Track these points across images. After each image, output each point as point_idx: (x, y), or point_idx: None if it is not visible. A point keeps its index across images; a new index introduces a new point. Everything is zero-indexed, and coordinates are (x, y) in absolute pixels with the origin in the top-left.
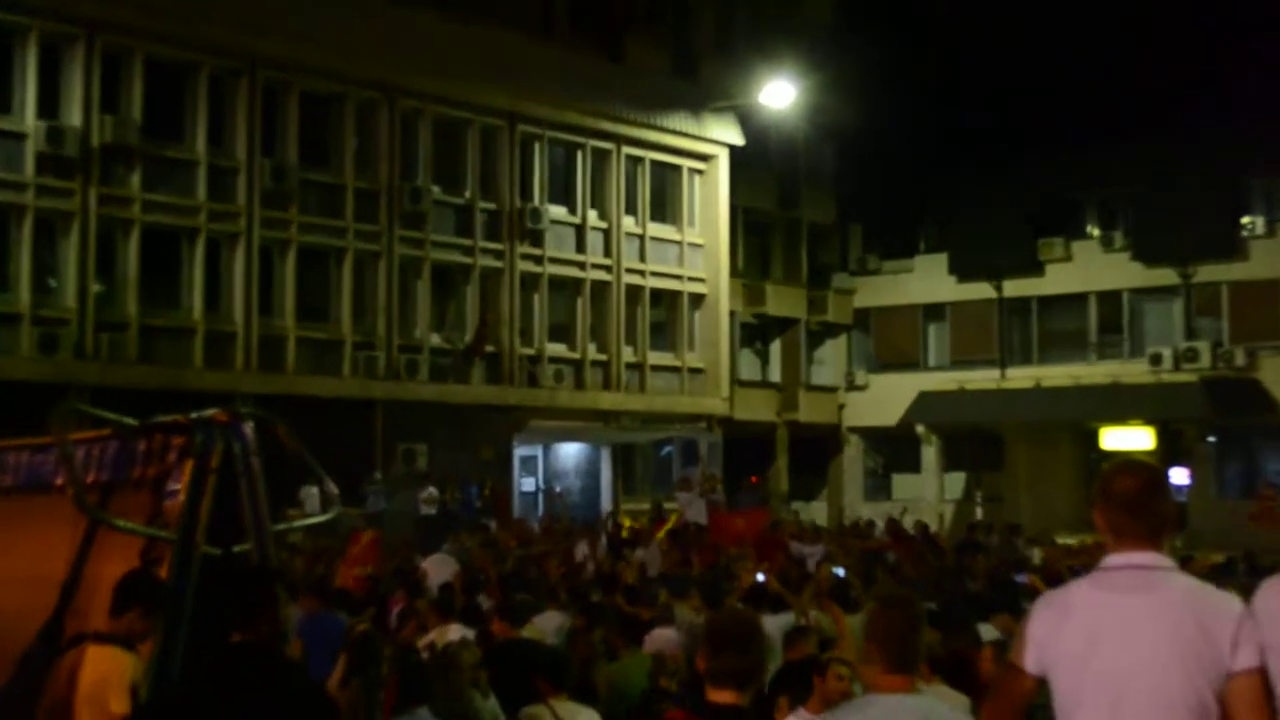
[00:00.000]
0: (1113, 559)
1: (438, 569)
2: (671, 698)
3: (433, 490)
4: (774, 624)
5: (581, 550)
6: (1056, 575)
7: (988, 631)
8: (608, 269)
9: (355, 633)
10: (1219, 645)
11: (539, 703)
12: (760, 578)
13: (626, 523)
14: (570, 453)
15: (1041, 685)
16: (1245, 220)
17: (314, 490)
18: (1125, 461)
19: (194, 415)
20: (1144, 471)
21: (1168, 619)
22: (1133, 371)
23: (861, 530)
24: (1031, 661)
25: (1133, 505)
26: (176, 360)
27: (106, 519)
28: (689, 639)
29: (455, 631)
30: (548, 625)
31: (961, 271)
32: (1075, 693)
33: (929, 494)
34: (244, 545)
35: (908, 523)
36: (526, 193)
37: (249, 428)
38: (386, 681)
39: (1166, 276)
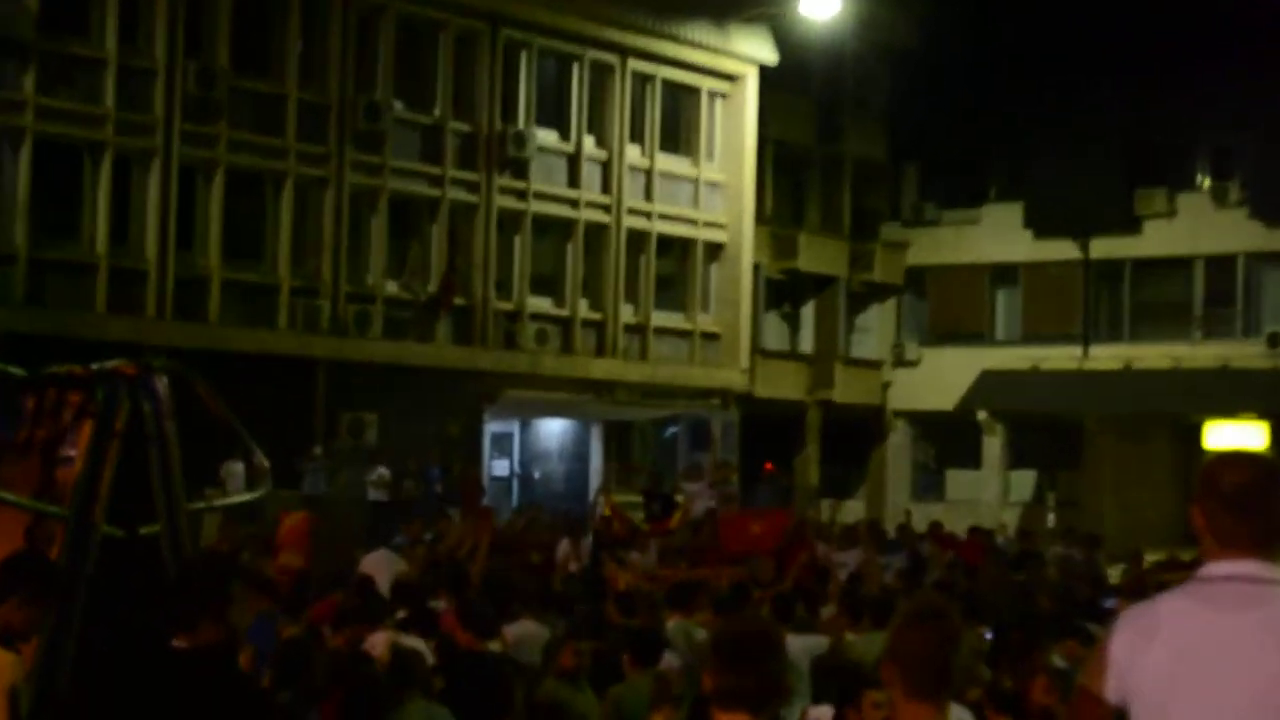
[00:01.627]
0: (1212, 568)
1: (380, 569)
2: None
3: (384, 471)
4: (799, 645)
5: (564, 549)
6: (1144, 592)
7: (1055, 661)
8: (606, 209)
9: (282, 639)
10: None
11: None
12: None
13: (608, 505)
14: (553, 431)
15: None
16: None
17: (239, 468)
18: (1234, 453)
19: (95, 366)
20: (1257, 465)
21: (1275, 642)
22: (1246, 354)
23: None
24: (1110, 689)
25: (1241, 504)
26: (73, 303)
27: None
28: (689, 661)
29: (407, 642)
30: (530, 637)
31: (1039, 226)
32: None
33: (990, 495)
34: (152, 526)
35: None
36: (509, 113)
37: (162, 384)
38: (322, 695)
39: None
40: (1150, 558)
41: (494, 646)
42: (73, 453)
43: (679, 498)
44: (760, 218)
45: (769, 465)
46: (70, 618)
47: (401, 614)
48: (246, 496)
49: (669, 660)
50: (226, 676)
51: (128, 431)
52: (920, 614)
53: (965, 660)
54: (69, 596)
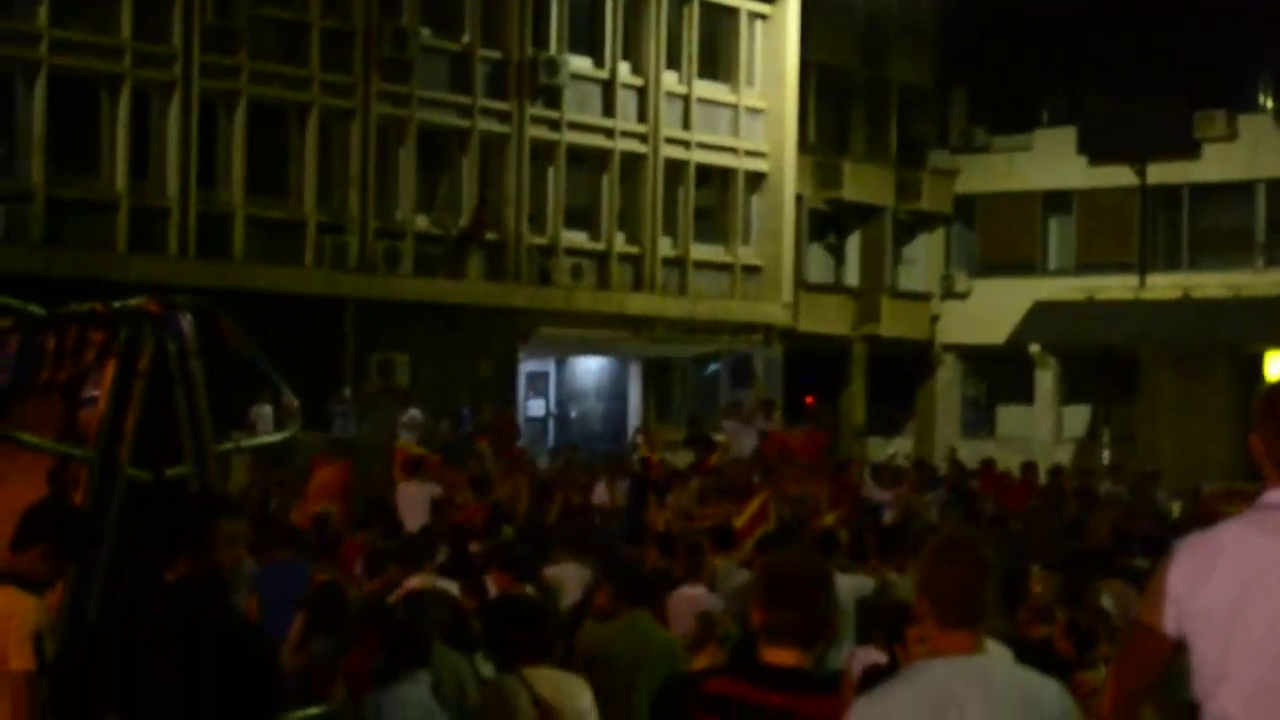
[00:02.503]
0: (1273, 495)
1: (414, 507)
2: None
3: (416, 413)
4: (845, 585)
5: (601, 490)
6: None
7: (1103, 601)
8: (642, 138)
9: (315, 584)
10: None
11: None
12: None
13: (646, 445)
14: (590, 369)
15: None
16: None
17: (268, 410)
18: None
19: (117, 304)
20: None
21: None
22: None
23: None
24: (1169, 621)
25: None
26: (93, 242)
27: (7, 432)
28: (733, 603)
29: (443, 586)
30: (568, 579)
31: (1094, 151)
32: (1220, 659)
33: (1043, 431)
34: (180, 468)
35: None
36: (540, 39)
37: (186, 321)
38: (353, 643)
39: None
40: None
41: (530, 590)
42: (96, 393)
43: (719, 437)
44: (803, 146)
45: (810, 399)
46: (96, 563)
47: (441, 557)
48: (275, 437)
49: (712, 601)
50: (209, 610)
51: (152, 371)
52: (948, 546)
53: (994, 591)
54: (94, 542)
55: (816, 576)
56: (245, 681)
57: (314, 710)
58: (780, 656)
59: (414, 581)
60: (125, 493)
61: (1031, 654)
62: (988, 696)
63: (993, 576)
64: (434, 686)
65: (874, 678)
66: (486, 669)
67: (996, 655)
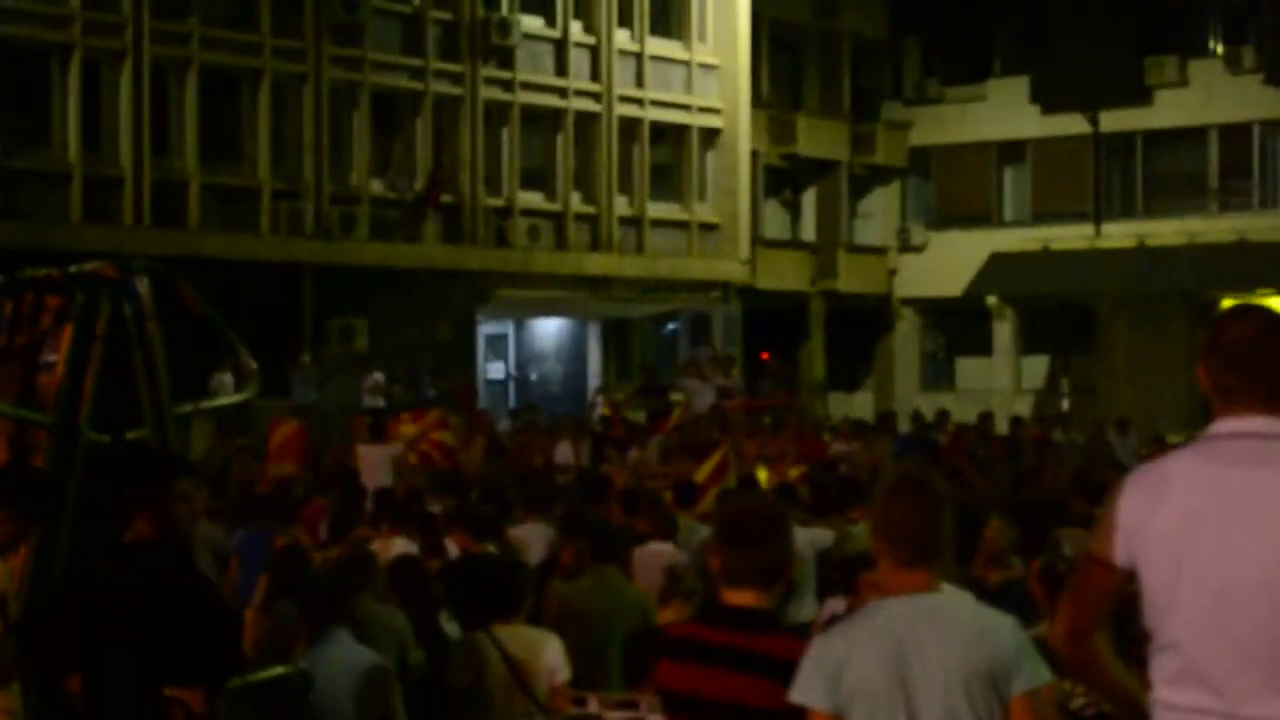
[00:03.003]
0: (1220, 425)
1: (374, 470)
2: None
3: (379, 377)
4: (805, 538)
5: (563, 451)
6: None
7: (1065, 550)
8: (596, 97)
9: (276, 547)
10: None
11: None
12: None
13: (607, 404)
14: (549, 330)
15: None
16: None
17: (228, 378)
18: (1240, 308)
19: (73, 269)
20: (1263, 317)
21: None
22: (1263, 226)
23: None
24: (1119, 551)
25: (1247, 359)
26: (48, 213)
27: None
28: (697, 557)
29: (401, 546)
30: (532, 539)
31: (1047, 100)
32: (1169, 590)
33: (1001, 382)
34: (139, 431)
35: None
36: (492, 0)
37: (143, 285)
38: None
39: None
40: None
41: (492, 549)
42: (53, 358)
43: (676, 396)
44: (756, 101)
45: (765, 355)
46: (58, 526)
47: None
48: (234, 399)
49: (679, 557)
50: (161, 572)
51: (110, 335)
52: (902, 484)
53: (950, 530)
54: (56, 505)
55: (772, 518)
56: (205, 640)
57: (277, 669)
58: (739, 597)
59: (399, 545)
60: (85, 456)
61: (993, 597)
62: (943, 632)
63: (948, 513)
64: (369, 642)
65: (835, 624)
66: (451, 629)
67: (950, 594)
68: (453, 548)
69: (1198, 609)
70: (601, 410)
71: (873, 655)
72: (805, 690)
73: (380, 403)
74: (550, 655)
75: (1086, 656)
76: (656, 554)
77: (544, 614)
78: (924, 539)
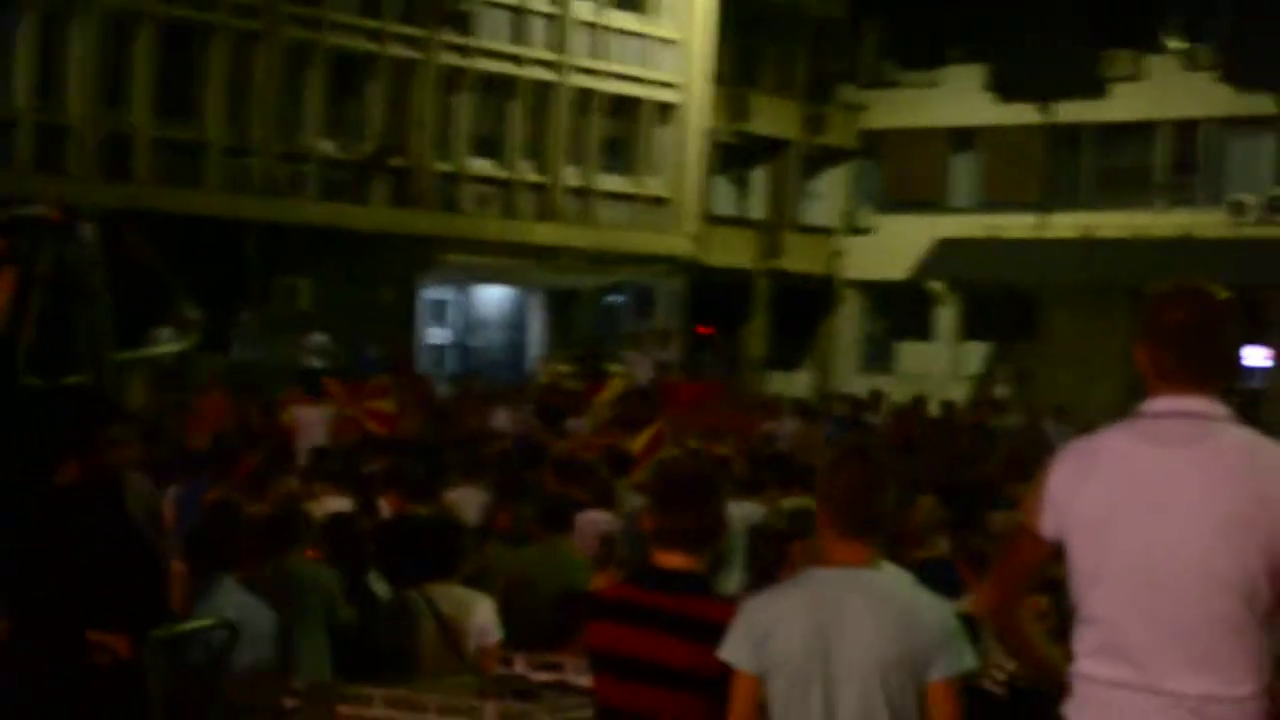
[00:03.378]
0: (1154, 404)
1: (309, 429)
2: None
3: (320, 337)
4: (738, 513)
5: (501, 417)
6: None
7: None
8: (552, 67)
9: (207, 502)
10: (1278, 512)
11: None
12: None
13: (546, 373)
14: (493, 298)
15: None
16: None
17: (168, 333)
18: (1176, 288)
19: (18, 211)
20: (1199, 299)
21: (1216, 478)
22: (1207, 223)
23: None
24: (1047, 523)
25: (1182, 338)
26: None
27: None
28: (630, 525)
29: (335, 504)
30: (466, 502)
31: (1002, 88)
32: (1096, 564)
33: (941, 367)
34: (78, 377)
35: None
36: None
37: (89, 229)
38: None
39: (1262, 105)
40: None
41: (423, 510)
42: None
43: (614, 367)
44: (712, 78)
45: (701, 328)
46: None
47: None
48: (175, 347)
49: (612, 523)
50: (92, 515)
51: (51, 279)
52: (846, 455)
53: (893, 501)
54: None
55: (706, 482)
56: (132, 586)
57: (207, 620)
58: (671, 560)
59: (333, 503)
60: (21, 399)
61: (915, 574)
62: (870, 609)
63: (890, 488)
64: (297, 598)
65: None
66: (380, 588)
67: (891, 572)
68: (386, 509)
69: (1123, 584)
70: (542, 378)
71: (798, 624)
72: (732, 650)
73: (319, 363)
74: (481, 615)
75: (1010, 626)
76: (592, 521)
77: (489, 579)
78: (866, 510)
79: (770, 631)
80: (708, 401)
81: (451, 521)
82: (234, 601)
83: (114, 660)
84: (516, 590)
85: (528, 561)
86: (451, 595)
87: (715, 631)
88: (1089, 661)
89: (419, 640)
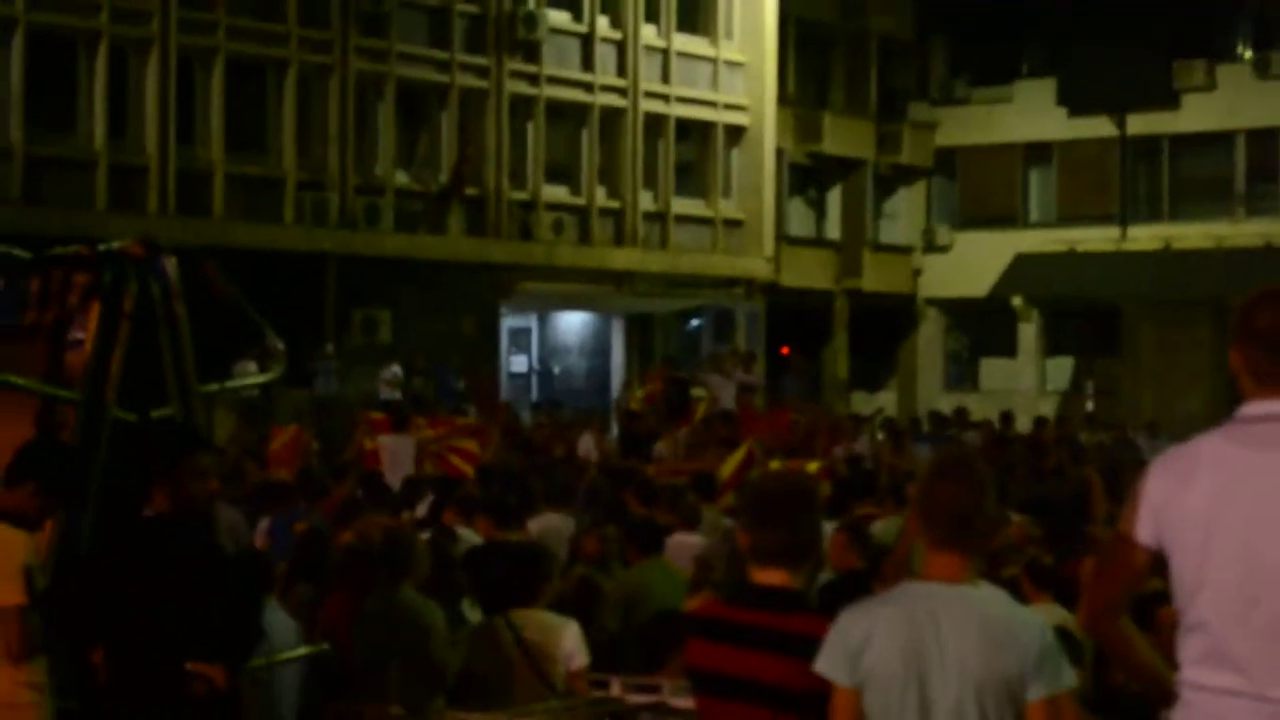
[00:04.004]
0: (1250, 408)
1: (397, 459)
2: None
3: (397, 369)
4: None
5: (586, 443)
6: None
7: None
8: (622, 92)
9: (297, 533)
10: None
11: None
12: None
13: (634, 399)
14: (573, 325)
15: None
16: None
17: (252, 366)
18: (1271, 290)
19: (102, 247)
20: None
21: None
22: None
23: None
24: (1146, 531)
25: (1277, 340)
26: (73, 200)
27: None
28: (725, 544)
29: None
30: (548, 529)
31: (1074, 103)
32: (1198, 570)
33: (1026, 384)
34: (165, 409)
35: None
36: None
37: (170, 264)
38: (332, 588)
39: None
40: None
41: (513, 537)
42: (81, 335)
43: (697, 391)
44: (782, 99)
45: (785, 349)
46: (84, 501)
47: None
48: (261, 378)
49: (704, 545)
50: (182, 545)
51: (136, 313)
52: (946, 464)
53: (992, 514)
54: (83, 480)
55: (800, 495)
56: (226, 616)
57: (301, 650)
58: (767, 577)
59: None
60: (112, 433)
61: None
62: (966, 627)
63: (989, 499)
64: (404, 630)
65: (831, 592)
66: (475, 615)
67: (987, 588)
68: (475, 536)
69: (1225, 590)
70: (630, 404)
71: (894, 638)
72: (828, 662)
73: (397, 395)
74: (568, 641)
75: (1114, 635)
76: (683, 544)
77: (602, 600)
78: (962, 521)
79: (865, 644)
80: (794, 423)
81: (536, 548)
82: (268, 620)
83: (210, 690)
84: (633, 609)
85: (629, 582)
86: (535, 620)
87: (814, 648)
88: (1194, 669)
89: (504, 666)
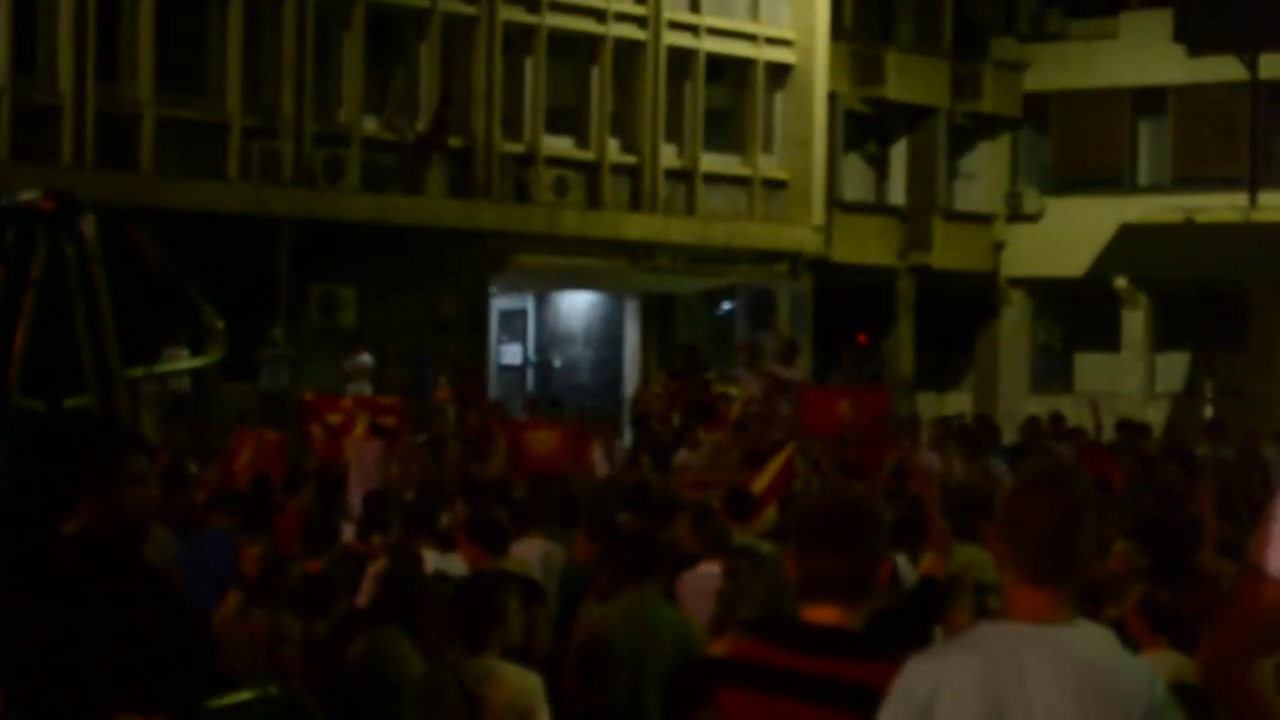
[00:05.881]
0: None
1: (362, 463)
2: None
3: (365, 358)
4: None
5: (595, 452)
6: None
7: None
8: (640, 22)
9: (247, 556)
10: None
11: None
12: None
13: (656, 389)
14: (578, 306)
15: None
16: None
17: (183, 353)
18: None
19: (4, 200)
20: None
21: None
22: None
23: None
24: (1278, 563)
25: None
26: None
27: None
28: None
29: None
30: (530, 556)
31: (1194, 40)
32: None
33: (1131, 384)
34: (80, 398)
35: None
36: None
37: (88, 223)
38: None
39: None
40: None
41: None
42: None
43: (732, 389)
44: (837, 32)
45: (863, 338)
46: None
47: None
48: (196, 362)
49: (725, 581)
50: (112, 569)
51: (45, 280)
52: (1038, 479)
53: (1094, 540)
54: None
55: (860, 516)
56: (168, 655)
57: (243, 694)
58: (820, 614)
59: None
60: (15, 425)
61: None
62: (1060, 677)
63: (1091, 521)
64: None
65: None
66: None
67: (1085, 629)
68: (460, 564)
69: None
70: (650, 404)
71: (968, 692)
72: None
73: (366, 390)
74: (523, 698)
75: (1243, 688)
76: (709, 577)
77: (570, 644)
78: (1058, 549)
79: (934, 698)
80: (868, 416)
81: (489, 581)
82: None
83: None
84: (592, 657)
85: (602, 620)
86: (486, 670)
87: (875, 702)
88: None
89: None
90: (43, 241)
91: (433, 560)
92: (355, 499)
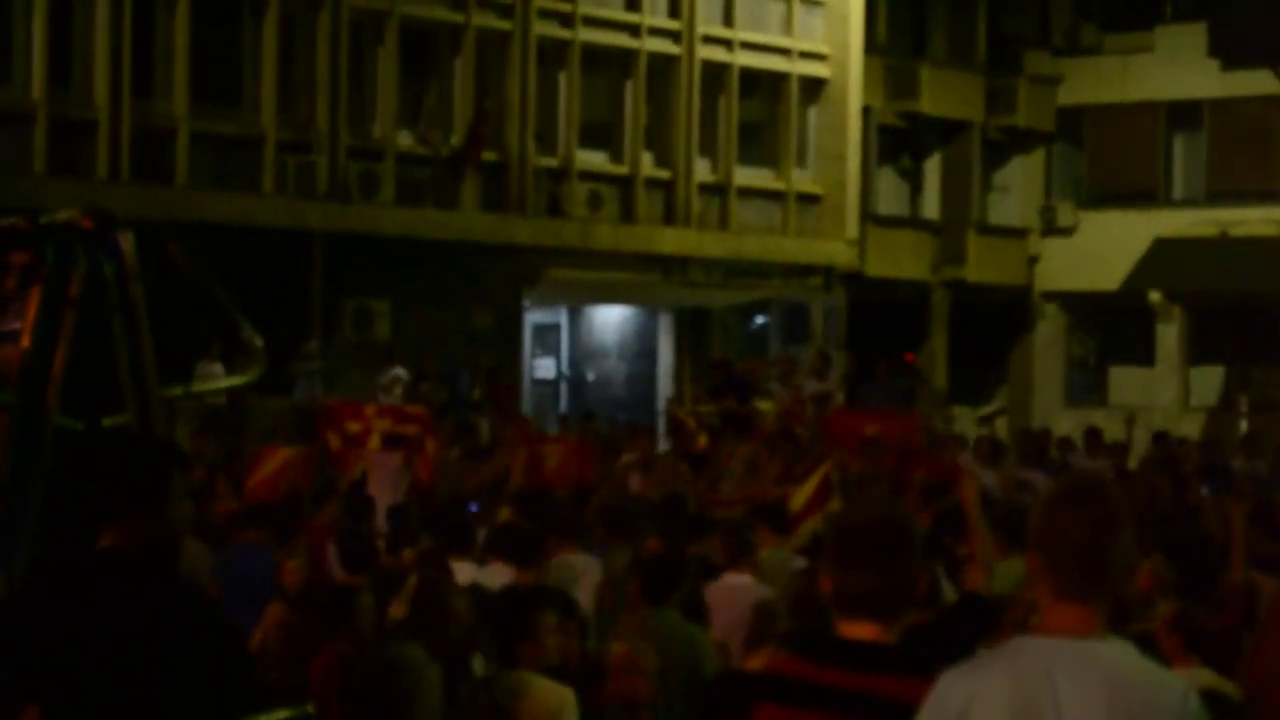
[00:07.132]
0: None
1: (385, 476)
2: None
3: (400, 372)
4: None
5: (627, 465)
6: None
7: None
8: (674, 36)
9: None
10: None
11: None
12: None
13: (685, 413)
14: (611, 320)
15: None
16: None
17: (218, 369)
18: None
19: (43, 220)
20: None
21: None
22: None
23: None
24: None
25: None
26: (4, 161)
27: None
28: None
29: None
30: (564, 572)
31: (1228, 53)
32: None
33: (1165, 398)
34: (119, 417)
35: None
36: None
37: (127, 240)
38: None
39: None
40: None
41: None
42: (17, 326)
43: (765, 403)
44: (871, 47)
45: (910, 356)
46: (21, 523)
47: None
48: (235, 380)
49: (765, 591)
50: (151, 586)
51: (85, 299)
52: (1071, 491)
53: (1128, 554)
54: (19, 498)
55: (897, 530)
56: (209, 675)
57: (281, 714)
58: (857, 630)
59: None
60: (54, 444)
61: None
62: (1091, 690)
63: (1123, 536)
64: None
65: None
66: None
67: (1119, 644)
68: (497, 577)
69: None
70: (686, 419)
71: (999, 706)
72: None
73: (399, 403)
74: (551, 710)
75: None
76: (739, 589)
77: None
78: (1091, 563)
79: (965, 714)
80: (895, 437)
81: (522, 599)
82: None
83: None
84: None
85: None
86: (512, 683)
87: (910, 717)
88: None
89: None
90: (82, 260)
91: (468, 573)
92: (378, 512)
